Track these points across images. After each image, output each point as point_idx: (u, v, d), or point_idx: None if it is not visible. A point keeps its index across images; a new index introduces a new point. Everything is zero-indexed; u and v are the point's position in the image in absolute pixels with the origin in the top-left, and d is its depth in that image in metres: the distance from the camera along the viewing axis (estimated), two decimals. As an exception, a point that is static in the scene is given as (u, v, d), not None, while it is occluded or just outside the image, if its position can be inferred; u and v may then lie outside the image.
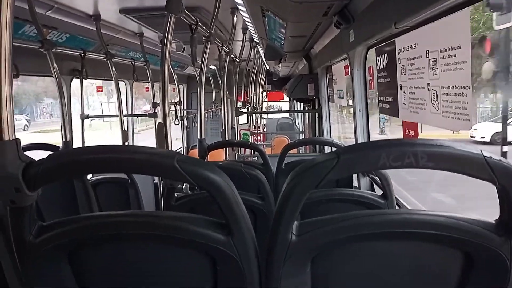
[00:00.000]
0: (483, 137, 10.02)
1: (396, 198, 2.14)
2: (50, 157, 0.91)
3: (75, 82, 3.82)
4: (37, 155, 1.12)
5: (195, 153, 6.90)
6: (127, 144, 4.06)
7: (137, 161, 0.89)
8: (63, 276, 0.97)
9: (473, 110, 1.50)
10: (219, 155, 5.05)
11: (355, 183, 3.09)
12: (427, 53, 1.84)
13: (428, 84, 1.85)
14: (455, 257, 0.91)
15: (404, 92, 2.18)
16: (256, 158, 5.20)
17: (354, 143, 3.12)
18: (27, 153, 0.94)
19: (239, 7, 2.92)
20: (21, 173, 0.89)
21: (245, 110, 5.87)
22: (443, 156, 0.83)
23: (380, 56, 2.57)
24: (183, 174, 0.88)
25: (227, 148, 4.44)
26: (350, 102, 3.65)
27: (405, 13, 1.83)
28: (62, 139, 3.08)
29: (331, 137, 5.14)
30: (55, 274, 0.97)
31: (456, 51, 1.57)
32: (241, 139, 6.07)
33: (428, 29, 1.81)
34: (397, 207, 2.22)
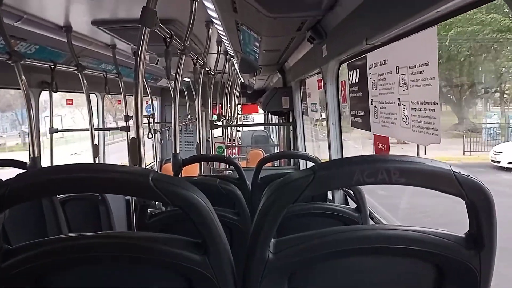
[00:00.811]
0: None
1: (369, 211, 2.17)
2: (19, 177, 0.87)
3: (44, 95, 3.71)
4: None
5: (168, 167, 6.81)
6: (98, 159, 3.95)
7: (110, 181, 0.86)
8: None
9: (440, 125, 1.55)
10: (193, 170, 5.00)
11: (330, 196, 3.12)
12: (397, 69, 1.89)
13: (398, 99, 1.90)
14: (428, 270, 0.93)
15: (375, 107, 2.23)
16: (231, 172, 5.18)
17: (328, 155, 3.15)
18: None
19: (214, 20, 2.93)
20: None
21: (220, 123, 5.85)
22: (415, 172, 0.84)
23: (352, 71, 2.63)
24: (158, 193, 0.86)
25: (202, 162, 4.40)
26: (324, 115, 3.70)
27: (376, 29, 1.89)
28: (30, 155, 2.95)
29: (305, 150, 5.19)
30: None
31: (424, 67, 1.62)
32: (216, 153, 6.04)
33: (398, 45, 1.87)
34: (370, 220, 2.25)
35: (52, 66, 3.37)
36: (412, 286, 0.95)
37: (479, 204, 0.86)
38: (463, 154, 12.79)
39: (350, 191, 2.49)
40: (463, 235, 0.91)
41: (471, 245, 0.89)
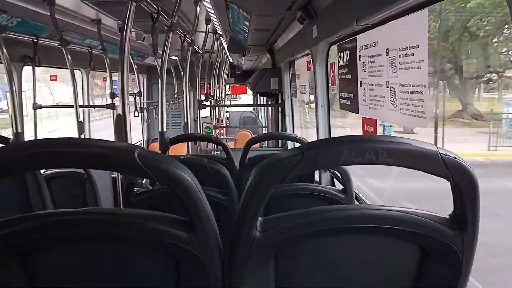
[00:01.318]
0: None
1: (355, 192, 2.20)
2: (1, 151, 0.85)
3: (27, 70, 3.61)
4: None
5: (155, 146, 6.76)
6: (83, 136, 3.90)
7: (95, 155, 0.84)
8: (14, 279, 0.91)
9: (429, 108, 1.56)
10: (181, 149, 4.97)
11: (317, 178, 3.15)
12: (386, 51, 1.89)
13: (387, 81, 1.90)
14: (412, 251, 0.95)
15: (364, 89, 2.23)
16: (219, 152, 5.17)
17: (316, 137, 3.17)
18: None
19: None
20: None
21: (208, 103, 5.80)
22: (402, 152, 0.85)
23: (342, 53, 2.62)
24: (145, 169, 0.85)
25: (189, 142, 4.37)
26: (312, 97, 3.70)
27: (366, 11, 1.87)
28: (13, 130, 2.90)
29: (293, 132, 5.20)
30: (5, 277, 0.90)
31: (414, 50, 1.62)
32: (204, 133, 6.01)
33: (388, 27, 1.86)
34: (356, 202, 2.29)
35: (35, 40, 3.27)
36: (396, 266, 0.97)
37: (464, 186, 0.87)
38: (488, 149, 11.51)
39: (337, 172, 2.51)
40: (447, 216, 0.93)
41: (455, 226, 0.91)
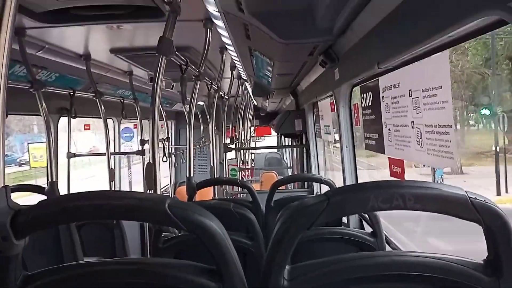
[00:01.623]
0: None
1: (385, 235, 2.14)
2: (39, 205, 0.90)
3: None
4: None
5: (183, 190, 6.81)
6: (113, 183, 4.00)
7: (128, 207, 0.88)
8: None
9: (456, 148, 1.53)
10: (207, 192, 5.01)
11: (344, 220, 3.08)
12: (409, 92, 1.90)
13: (412, 122, 1.90)
14: None
15: (389, 130, 2.23)
16: (244, 194, 5.17)
17: (342, 177, 3.13)
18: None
19: (228, 47, 3.00)
20: (9, 221, 0.87)
21: (233, 146, 5.89)
22: (430, 197, 0.84)
23: (365, 94, 2.64)
24: (175, 220, 0.87)
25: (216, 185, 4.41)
26: (337, 137, 3.70)
27: (387, 54, 1.91)
28: (48, 179, 3.02)
29: (319, 172, 5.17)
30: None
31: (437, 91, 1.63)
32: (230, 175, 6.05)
33: (410, 69, 1.88)
34: (387, 245, 2.22)
35: (72, 93, 3.47)
36: None
37: (497, 230, 0.85)
38: None
39: (366, 215, 2.46)
40: (482, 262, 0.89)
41: (490, 272, 0.87)
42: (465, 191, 0.86)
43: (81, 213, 0.90)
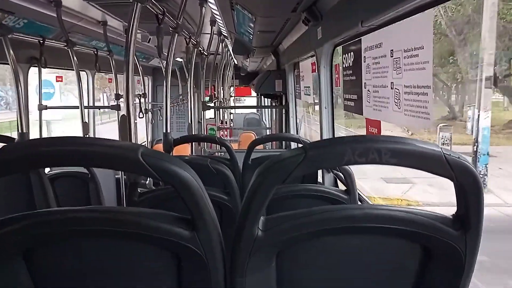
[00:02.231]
0: None
1: (358, 193, 2.19)
2: (5, 149, 0.85)
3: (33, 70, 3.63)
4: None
5: (160, 147, 6.76)
6: (88, 136, 3.92)
7: (99, 154, 0.85)
8: (18, 275, 0.92)
9: (432, 109, 1.55)
10: (185, 150, 4.98)
11: (320, 179, 3.14)
12: (391, 52, 1.88)
13: (391, 83, 1.90)
14: (414, 251, 0.94)
15: (369, 91, 2.23)
16: (222, 153, 5.17)
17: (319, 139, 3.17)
18: None
19: None
20: None
21: (212, 104, 5.81)
22: (405, 152, 0.85)
23: (347, 55, 2.61)
24: (148, 168, 0.85)
25: (193, 143, 4.38)
26: (316, 99, 3.70)
27: (371, 12, 1.87)
28: (18, 130, 2.92)
29: (297, 133, 5.20)
30: (10, 273, 0.91)
31: (419, 51, 1.62)
32: (208, 134, 6.02)
33: (393, 28, 1.86)
34: (359, 203, 2.28)
35: (41, 41, 3.29)
36: (398, 266, 0.96)
37: (468, 186, 0.87)
38: None
39: (340, 173, 2.51)
40: (451, 216, 0.92)
41: (458, 226, 0.91)
42: (440, 147, 0.87)
43: (49, 158, 0.86)
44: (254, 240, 0.90)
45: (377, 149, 0.84)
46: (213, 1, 2.92)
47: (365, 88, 2.29)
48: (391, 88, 1.90)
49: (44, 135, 4.21)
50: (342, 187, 2.55)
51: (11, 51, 2.73)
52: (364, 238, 0.94)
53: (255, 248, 0.91)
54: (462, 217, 0.91)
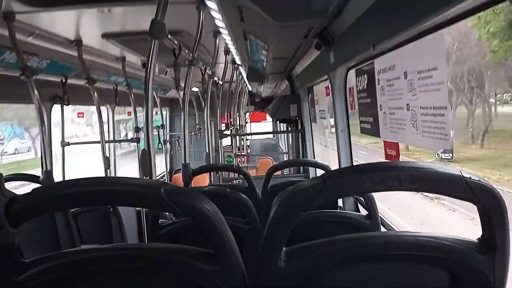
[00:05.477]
0: None
1: (381, 217, 2.15)
2: (34, 192, 0.89)
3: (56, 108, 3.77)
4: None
5: (179, 177, 6.83)
6: (109, 171, 3.99)
7: (123, 193, 0.88)
8: None
9: (451, 130, 1.53)
10: (203, 178, 5.00)
11: (340, 203, 3.10)
12: (405, 74, 1.89)
13: (407, 104, 1.89)
14: (441, 277, 0.92)
15: (384, 113, 2.22)
16: (240, 180, 5.18)
17: (337, 161, 3.14)
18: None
19: (222, 30, 2.96)
20: (3, 209, 0.86)
21: (228, 132, 5.87)
22: (425, 178, 0.84)
23: (360, 77, 2.63)
24: (171, 205, 0.87)
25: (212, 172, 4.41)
26: (332, 121, 3.69)
27: (382, 35, 1.89)
28: (42, 168, 2.99)
29: (314, 157, 5.18)
30: None
31: (433, 72, 1.62)
32: (225, 162, 6.05)
33: (406, 50, 1.87)
34: (382, 227, 2.23)
35: (64, 80, 3.42)
36: None
37: (491, 209, 0.85)
38: None
39: (361, 198, 2.47)
40: (476, 240, 0.90)
41: (484, 250, 0.88)
42: (460, 171, 0.86)
43: (76, 199, 0.90)
44: (277, 272, 0.90)
45: (397, 176, 0.84)
46: (226, 32, 3.00)
47: (380, 110, 2.28)
48: (408, 110, 1.89)
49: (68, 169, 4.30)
50: (363, 210, 2.51)
51: (36, 91, 2.84)
52: (388, 265, 0.92)
53: (278, 280, 0.90)
54: (487, 241, 0.88)
